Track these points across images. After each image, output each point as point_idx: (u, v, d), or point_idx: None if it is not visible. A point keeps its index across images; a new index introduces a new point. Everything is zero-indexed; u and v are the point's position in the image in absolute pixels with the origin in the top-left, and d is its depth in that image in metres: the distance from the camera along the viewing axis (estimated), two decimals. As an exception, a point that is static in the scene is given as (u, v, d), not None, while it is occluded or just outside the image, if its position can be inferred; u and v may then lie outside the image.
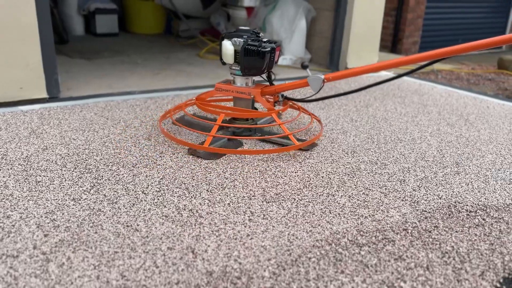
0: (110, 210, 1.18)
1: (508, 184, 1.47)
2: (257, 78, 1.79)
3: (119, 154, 1.54)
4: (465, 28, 5.96)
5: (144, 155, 1.54)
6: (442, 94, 2.63)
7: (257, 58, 1.63)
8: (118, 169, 1.43)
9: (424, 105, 2.37)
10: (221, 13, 4.01)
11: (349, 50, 3.17)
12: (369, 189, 1.39)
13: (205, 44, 3.78)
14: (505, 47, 6.66)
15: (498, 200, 1.36)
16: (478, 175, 1.53)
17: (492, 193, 1.41)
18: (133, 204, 1.22)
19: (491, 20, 6.32)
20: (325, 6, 3.31)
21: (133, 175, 1.39)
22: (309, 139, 1.78)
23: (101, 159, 1.49)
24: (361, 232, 1.15)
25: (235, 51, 1.67)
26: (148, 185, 1.33)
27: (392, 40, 5.11)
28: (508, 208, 1.31)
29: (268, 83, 1.81)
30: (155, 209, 1.20)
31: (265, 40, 1.67)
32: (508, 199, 1.38)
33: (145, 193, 1.28)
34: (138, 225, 1.12)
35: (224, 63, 1.72)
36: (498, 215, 1.27)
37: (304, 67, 1.80)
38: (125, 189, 1.30)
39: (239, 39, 1.66)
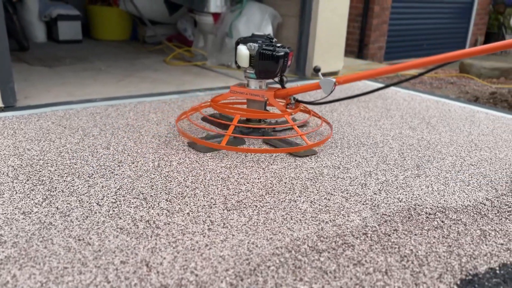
0: (62, 224, 1.13)
1: (467, 186, 1.50)
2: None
3: (75, 164, 1.49)
4: (429, 33, 6.12)
5: (102, 164, 1.49)
6: (405, 98, 2.68)
7: (271, 62, 1.72)
8: (73, 180, 1.37)
9: (388, 109, 2.40)
10: (188, 19, 3.97)
11: (315, 56, 3.19)
12: (331, 194, 1.39)
13: (171, 50, 3.73)
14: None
15: (457, 202, 1.38)
16: (438, 177, 1.55)
17: (451, 195, 1.43)
18: (87, 217, 1.17)
19: (454, 25, 6.52)
20: (290, 13, 3.33)
21: (89, 186, 1.34)
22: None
23: (55, 170, 1.43)
24: (321, 238, 1.14)
25: (250, 56, 1.75)
26: (104, 196, 1.28)
27: (358, 46, 5.20)
28: (466, 210, 1.33)
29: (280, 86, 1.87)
30: (110, 221, 1.15)
31: (278, 45, 1.75)
32: (467, 200, 1.40)
33: (100, 205, 1.23)
34: (90, 238, 1.08)
35: (239, 67, 1.80)
36: (457, 217, 1.29)
37: (316, 70, 1.84)
38: (79, 201, 1.25)
39: (254, 44, 1.73)
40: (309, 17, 3.14)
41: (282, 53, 1.72)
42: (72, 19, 3.98)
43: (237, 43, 1.78)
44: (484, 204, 1.38)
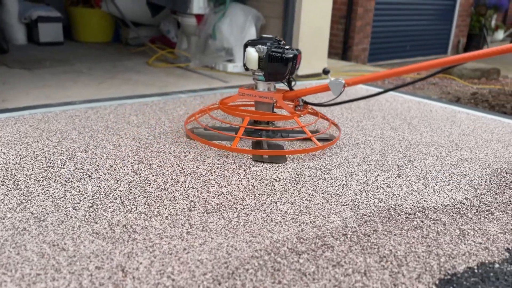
0: (36, 229, 1.10)
1: (447, 185, 1.51)
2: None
3: (52, 168, 1.45)
4: (412, 35, 6.19)
5: (79, 168, 1.47)
6: (388, 99, 2.70)
7: (280, 64, 1.71)
8: (49, 184, 1.34)
9: (370, 110, 2.41)
10: (171, 21, 3.95)
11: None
12: (312, 195, 1.38)
13: (154, 52, 3.70)
14: (450, 52, 6.97)
15: (436, 201, 1.39)
16: (419, 177, 1.56)
17: (431, 194, 1.43)
18: (62, 222, 1.14)
19: (436, 26, 6.60)
20: (273, 14, 3.33)
21: (65, 190, 1.31)
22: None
23: (31, 174, 1.40)
24: (301, 239, 1.13)
25: (259, 58, 1.74)
26: (80, 201, 1.25)
27: (342, 47, 5.22)
28: (446, 209, 1.34)
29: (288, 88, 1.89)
30: (86, 226, 1.13)
31: (287, 47, 1.74)
32: (446, 200, 1.40)
33: (76, 209, 1.21)
34: (65, 244, 1.05)
35: (247, 69, 1.80)
36: (436, 217, 1.29)
37: (325, 72, 1.84)
38: (55, 205, 1.22)
39: (263, 46, 1.73)
40: (292, 19, 3.15)
41: (291, 55, 1.71)
42: (53, 21, 3.92)
43: (246, 46, 1.78)
44: (464, 204, 1.38)
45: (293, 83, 1.89)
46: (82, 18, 4.23)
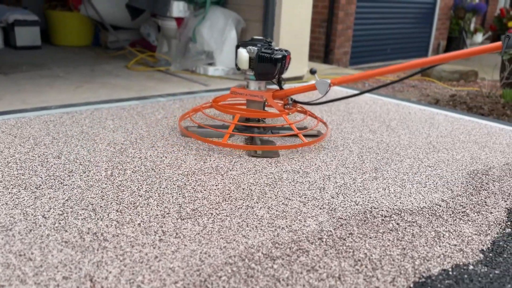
0: (2, 239, 1.07)
1: (423, 187, 1.51)
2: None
3: (23, 175, 1.41)
4: (393, 38, 6.26)
5: (51, 175, 1.43)
6: (367, 102, 2.71)
7: (269, 65, 1.79)
8: (19, 191, 1.30)
9: (350, 113, 2.42)
10: (151, 24, 3.91)
11: (279, 60, 3.18)
12: (289, 199, 1.37)
13: (134, 55, 3.66)
14: (430, 55, 7.06)
15: (413, 203, 1.39)
16: (395, 179, 1.56)
17: (407, 197, 1.44)
18: (30, 230, 1.11)
19: (417, 29, 6.69)
20: (254, 18, 3.32)
21: (35, 197, 1.27)
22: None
23: (0, 182, 1.36)
24: (277, 244, 1.12)
25: (250, 58, 1.83)
26: (50, 208, 1.22)
27: (324, 51, 5.25)
28: (421, 212, 1.34)
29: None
30: (55, 235, 1.09)
31: (277, 48, 1.83)
32: (423, 202, 1.41)
33: (45, 217, 1.17)
34: (32, 253, 1.02)
35: (239, 69, 1.89)
36: (412, 219, 1.29)
37: (312, 72, 1.92)
38: (24, 213, 1.18)
39: (253, 47, 1.81)
40: (272, 22, 3.15)
41: (280, 56, 1.79)
42: (30, 25, 3.85)
43: (238, 47, 1.86)
44: (440, 206, 1.39)
45: (283, 82, 1.96)
46: (60, 21, 4.16)
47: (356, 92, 2.18)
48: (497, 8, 9.26)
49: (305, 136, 1.90)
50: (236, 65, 1.88)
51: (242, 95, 1.92)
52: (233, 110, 1.88)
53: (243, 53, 1.83)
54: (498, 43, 1.62)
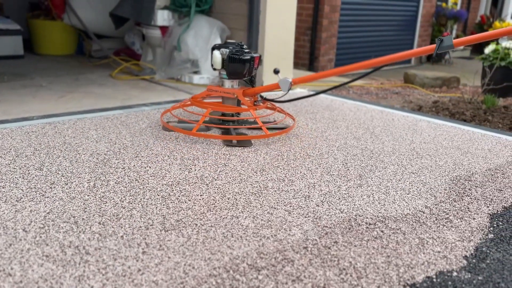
0: (-20, 254, 1.04)
1: (407, 194, 1.52)
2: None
3: (3, 188, 1.39)
4: (376, 45, 6.33)
5: (33, 187, 1.40)
6: (352, 109, 2.73)
7: (239, 65, 2.00)
8: (-1, 205, 1.28)
9: (334, 120, 2.43)
10: (136, 32, 3.90)
11: (264, 69, 3.20)
12: (274, 208, 1.37)
13: (119, 64, 3.64)
14: (413, 61, 7.17)
15: (397, 210, 1.40)
16: (380, 186, 1.57)
17: (391, 203, 1.44)
18: (10, 245, 1.08)
19: (400, 36, 6.78)
20: (238, 26, 3.33)
21: (16, 210, 1.25)
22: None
23: (-21, 195, 1.33)
24: (262, 255, 1.11)
25: (223, 59, 2.03)
26: (31, 221, 1.20)
27: (309, 58, 5.29)
28: (405, 218, 1.35)
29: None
30: (35, 249, 1.07)
31: (247, 51, 2.03)
32: (406, 209, 1.42)
33: (26, 231, 1.15)
34: (12, 268, 0.99)
35: (214, 69, 2.07)
36: (396, 226, 1.30)
37: (276, 72, 2.14)
38: (4, 227, 1.16)
39: (225, 49, 2.02)
40: (257, 31, 3.16)
41: (248, 57, 1.99)
42: (12, 34, 3.80)
43: (213, 49, 2.05)
44: (423, 212, 1.40)
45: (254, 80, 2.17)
46: (43, 30, 4.12)
47: (312, 92, 2.42)
48: (477, 15, 9.45)
49: (276, 129, 2.14)
50: (212, 65, 2.06)
51: (217, 92, 2.11)
52: (206, 105, 2.08)
53: (217, 55, 2.02)
54: (433, 46, 1.81)
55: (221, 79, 2.11)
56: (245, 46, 2.06)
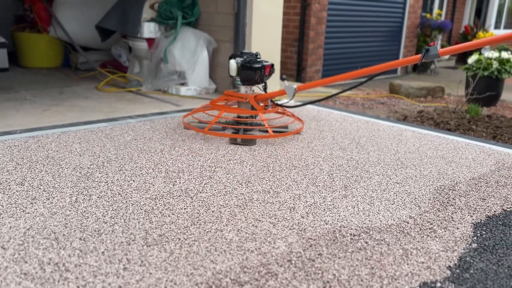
0: (-44, 273, 1.01)
1: (392, 204, 1.53)
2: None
3: (-18, 204, 1.36)
4: (362, 56, 6.40)
5: (13, 202, 1.38)
6: (338, 119, 2.74)
7: (250, 72, 2.23)
8: (-23, 222, 1.25)
9: (320, 131, 2.44)
10: (122, 45, 3.89)
11: (250, 79, 3.21)
12: (259, 220, 1.36)
13: (105, 76, 3.62)
14: (399, 71, 7.26)
15: (381, 221, 1.40)
16: (364, 197, 1.58)
17: (376, 214, 1.45)
18: (-13, 263, 1.06)
19: (386, 48, 6.87)
20: (225, 38, 3.35)
21: (-6, 227, 1.22)
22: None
23: (-43, 212, 1.30)
24: (245, 269, 1.10)
25: (237, 67, 2.26)
26: (10, 238, 1.17)
27: (297, 69, 5.32)
28: (390, 229, 1.35)
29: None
30: (13, 267, 1.05)
31: (259, 59, 2.26)
32: (391, 219, 1.42)
33: (4, 248, 1.12)
34: (-12, 288, 0.97)
35: (231, 76, 2.30)
36: (380, 237, 1.30)
37: (283, 79, 2.38)
38: (-19, 245, 1.13)
39: (240, 58, 2.27)
40: (243, 43, 3.17)
41: (259, 65, 2.22)
42: (-4, 47, 3.76)
43: (230, 58, 2.28)
44: (408, 222, 1.40)
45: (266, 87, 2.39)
46: (29, 43, 4.09)
47: (299, 103, 2.59)
48: (461, 25, 9.63)
49: (280, 132, 2.31)
50: (228, 72, 2.29)
51: (233, 97, 2.35)
52: (219, 108, 2.31)
53: (233, 63, 2.26)
54: (418, 56, 1.89)
55: (237, 85, 2.36)
56: (259, 56, 2.30)
